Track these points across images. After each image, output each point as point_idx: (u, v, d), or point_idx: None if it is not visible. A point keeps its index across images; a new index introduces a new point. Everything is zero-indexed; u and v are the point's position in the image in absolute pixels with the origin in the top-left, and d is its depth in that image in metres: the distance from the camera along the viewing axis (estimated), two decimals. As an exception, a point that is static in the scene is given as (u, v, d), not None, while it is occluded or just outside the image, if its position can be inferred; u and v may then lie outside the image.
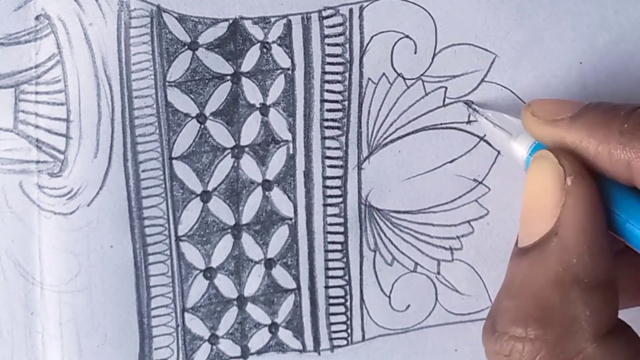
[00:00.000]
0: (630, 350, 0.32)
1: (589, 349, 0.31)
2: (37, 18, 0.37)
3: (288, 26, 0.38)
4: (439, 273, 0.40)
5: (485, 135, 0.39)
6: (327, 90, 0.39)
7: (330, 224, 0.40)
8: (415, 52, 0.39)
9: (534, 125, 0.35)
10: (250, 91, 0.39)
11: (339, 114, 0.39)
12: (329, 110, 0.39)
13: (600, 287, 0.32)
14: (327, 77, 0.39)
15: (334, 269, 0.40)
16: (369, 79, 0.39)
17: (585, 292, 0.32)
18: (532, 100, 0.36)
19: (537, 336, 0.32)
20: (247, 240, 0.39)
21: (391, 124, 0.39)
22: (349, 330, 0.40)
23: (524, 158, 0.36)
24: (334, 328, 0.40)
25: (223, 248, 0.39)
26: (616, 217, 0.33)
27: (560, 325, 0.32)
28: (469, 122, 0.39)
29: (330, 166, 0.39)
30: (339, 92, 0.39)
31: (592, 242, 0.32)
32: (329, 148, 0.39)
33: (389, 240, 0.40)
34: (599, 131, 0.33)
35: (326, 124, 0.39)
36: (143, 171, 0.38)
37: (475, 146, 0.40)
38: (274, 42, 0.38)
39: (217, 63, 0.38)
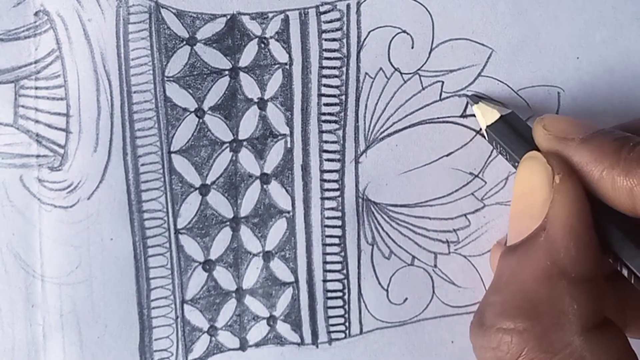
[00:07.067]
0: (617, 343, 0.32)
1: (576, 342, 0.31)
2: (36, 14, 0.37)
3: (286, 21, 0.39)
4: (435, 266, 0.40)
5: (481, 130, 0.39)
6: (325, 85, 0.39)
7: (328, 218, 0.40)
8: (412, 47, 0.39)
9: (544, 138, 0.35)
10: (248, 86, 0.39)
11: (337, 108, 0.39)
12: (327, 105, 0.39)
13: (587, 282, 0.32)
14: (325, 71, 0.39)
15: (332, 262, 0.40)
16: (366, 73, 0.39)
17: (573, 286, 0.32)
18: (545, 115, 0.36)
19: (525, 328, 0.32)
20: (245, 232, 0.40)
21: (388, 118, 0.40)
22: (347, 324, 0.40)
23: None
24: (331, 321, 0.40)
25: (222, 241, 0.40)
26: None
27: (547, 318, 0.32)
28: (464, 115, 0.40)
29: (328, 160, 0.40)
30: (337, 87, 0.39)
31: (579, 237, 0.32)
32: (326, 142, 0.40)
33: (387, 233, 0.40)
34: (606, 158, 0.33)
35: (324, 118, 0.39)
36: (142, 165, 0.38)
37: (471, 140, 0.40)
38: (271, 37, 0.39)
39: (215, 58, 0.38)
